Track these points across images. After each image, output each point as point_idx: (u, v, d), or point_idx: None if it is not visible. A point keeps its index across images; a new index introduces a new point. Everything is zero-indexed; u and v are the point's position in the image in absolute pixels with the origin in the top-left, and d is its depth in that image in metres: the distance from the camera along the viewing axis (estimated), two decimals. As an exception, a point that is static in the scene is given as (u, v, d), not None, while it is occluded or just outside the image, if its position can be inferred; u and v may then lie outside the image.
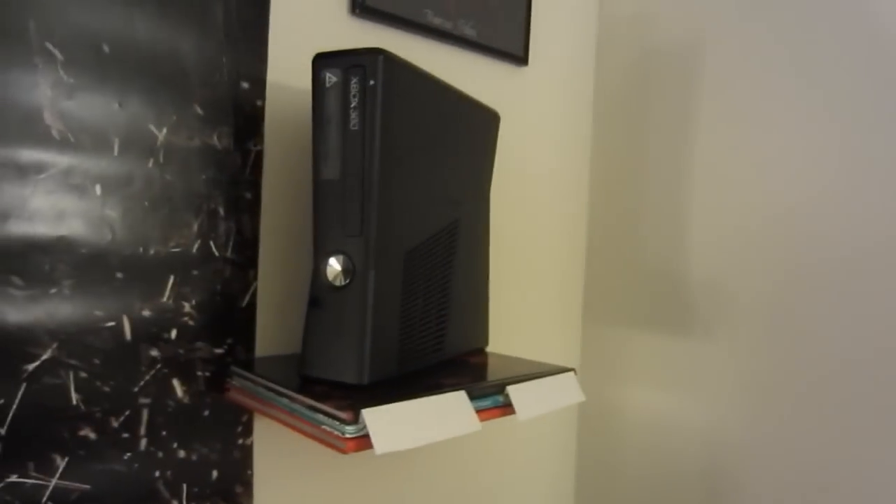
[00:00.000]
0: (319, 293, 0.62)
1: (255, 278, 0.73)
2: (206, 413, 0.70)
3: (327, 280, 0.61)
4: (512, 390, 0.65)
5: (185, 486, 0.68)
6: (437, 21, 0.86)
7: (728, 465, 0.95)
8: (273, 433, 0.75)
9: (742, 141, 0.95)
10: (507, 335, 1.02)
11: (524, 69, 1.01)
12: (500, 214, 1.00)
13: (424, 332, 0.68)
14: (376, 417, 0.54)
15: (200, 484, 0.69)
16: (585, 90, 1.14)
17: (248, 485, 0.73)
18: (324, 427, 0.56)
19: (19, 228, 0.57)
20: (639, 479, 1.06)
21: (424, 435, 0.56)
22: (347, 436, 0.54)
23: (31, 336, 0.58)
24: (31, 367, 0.58)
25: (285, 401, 0.61)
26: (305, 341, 0.62)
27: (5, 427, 0.57)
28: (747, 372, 0.93)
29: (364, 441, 0.54)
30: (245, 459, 0.73)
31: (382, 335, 0.61)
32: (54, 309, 0.59)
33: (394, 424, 0.55)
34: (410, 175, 0.64)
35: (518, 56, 0.97)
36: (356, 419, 0.54)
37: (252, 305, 0.72)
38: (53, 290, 0.59)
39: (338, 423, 0.54)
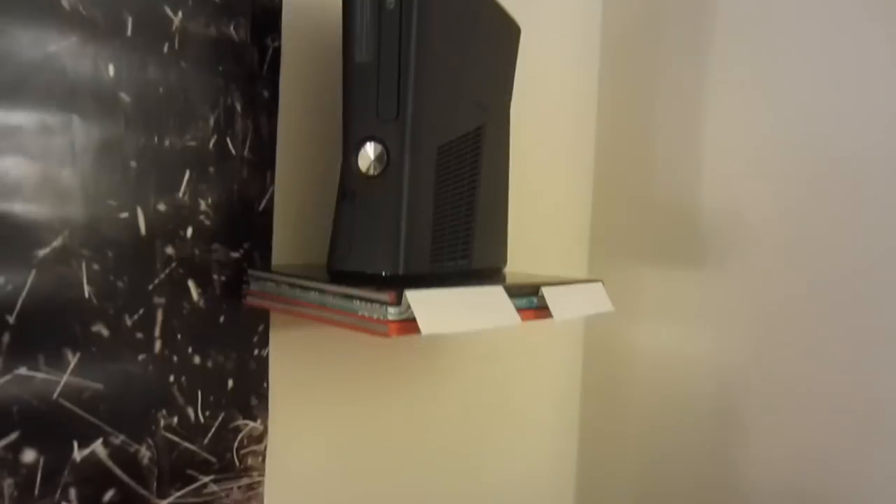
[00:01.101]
0: (350, 184, 0.59)
1: (273, 182, 0.69)
2: (222, 319, 0.66)
3: (359, 170, 0.58)
4: (546, 291, 0.64)
5: (199, 393, 0.65)
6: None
7: (738, 398, 0.95)
8: (290, 346, 0.72)
9: (755, 70, 0.94)
10: (511, 268, 1.01)
11: (537, -6, 0.99)
12: (510, 144, 0.98)
13: (454, 234, 0.66)
14: (420, 299, 0.51)
15: (216, 393, 0.66)
16: (595, 17, 1.12)
17: (263, 397, 0.70)
18: (362, 314, 0.53)
19: (29, 103, 0.53)
20: (645, 414, 1.06)
21: (468, 322, 0.54)
22: (390, 318, 0.51)
23: (42, 219, 0.54)
24: (41, 252, 0.54)
25: (314, 294, 0.58)
26: (334, 235, 0.59)
27: (14, 315, 0.53)
28: (759, 302, 0.93)
29: (407, 325, 0.52)
30: (261, 371, 0.70)
31: (416, 227, 0.59)
32: (66, 192, 0.55)
33: (437, 308, 0.52)
34: (443, 64, 0.62)
35: (532, -22, 0.95)
36: (399, 301, 0.51)
37: (269, 211, 0.69)
38: (65, 173, 0.55)
39: (378, 306, 0.52)
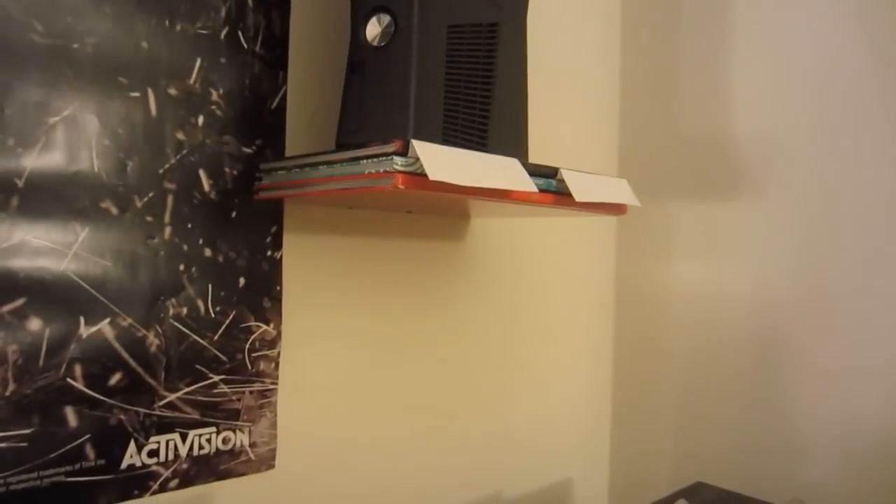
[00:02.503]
0: (359, 56, 0.58)
1: (286, 81, 0.68)
2: (234, 215, 0.65)
3: (367, 41, 0.57)
4: (566, 174, 0.61)
5: (210, 287, 0.63)
6: None
7: (782, 331, 0.90)
8: (305, 250, 0.71)
9: (787, -12, 0.91)
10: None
11: (557, -74, 0.98)
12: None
13: (468, 120, 0.64)
14: (428, 149, 0.49)
15: (227, 289, 0.64)
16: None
17: (277, 301, 0.68)
18: (368, 172, 0.51)
19: (40, -29, 0.53)
20: (681, 353, 1.00)
21: (478, 177, 0.51)
22: (397, 168, 0.49)
23: (52, 88, 0.54)
24: (52, 120, 0.54)
25: (323, 168, 0.56)
26: (343, 109, 0.58)
27: (23, 179, 0.52)
28: (800, 229, 0.88)
29: (415, 179, 0.49)
30: (274, 274, 0.68)
31: (426, 97, 0.57)
32: (77, 63, 0.55)
33: (447, 160, 0.50)
34: (454, -57, 0.60)
35: None
36: (406, 150, 0.49)
37: (282, 109, 0.68)
38: (76, 45, 0.55)
39: (385, 159, 0.50)
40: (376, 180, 0.50)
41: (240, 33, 0.65)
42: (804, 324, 0.87)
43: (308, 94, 0.70)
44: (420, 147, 0.49)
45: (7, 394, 0.52)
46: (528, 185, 0.55)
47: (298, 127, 0.70)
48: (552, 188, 0.61)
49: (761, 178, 0.92)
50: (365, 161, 0.52)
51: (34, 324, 0.53)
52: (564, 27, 1.02)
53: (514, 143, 0.75)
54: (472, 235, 0.88)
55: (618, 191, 0.65)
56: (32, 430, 0.53)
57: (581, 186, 0.61)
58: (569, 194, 0.61)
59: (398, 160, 0.49)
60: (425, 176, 0.49)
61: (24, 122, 0.53)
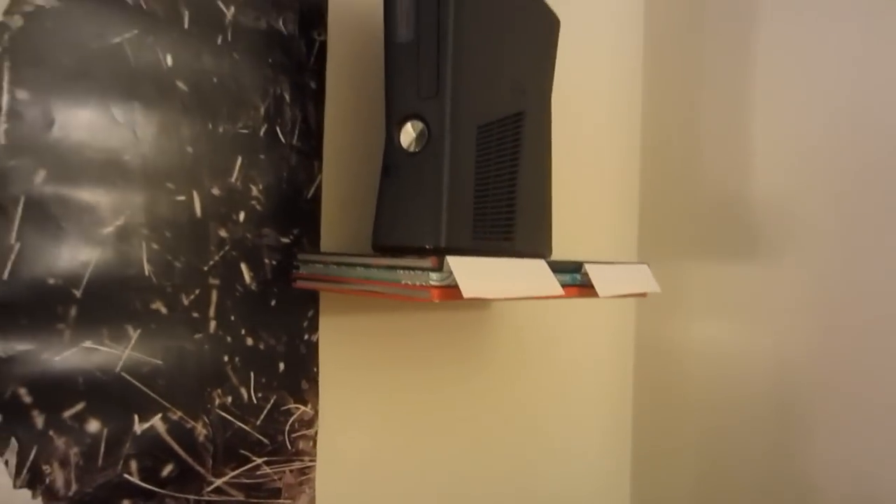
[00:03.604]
0: (393, 160, 0.60)
1: (320, 171, 0.71)
2: (273, 303, 0.68)
3: (401, 146, 0.60)
4: (589, 268, 0.63)
5: (252, 374, 0.67)
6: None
7: (800, 395, 0.91)
8: (339, 332, 0.74)
9: (803, 55, 0.92)
10: (562, 264, 1.00)
11: (577, -10, 1.00)
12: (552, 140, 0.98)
13: (496, 213, 0.66)
14: (461, 264, 0.52)
15: (267, 375, 0.68)
16: (638, 9, 1.12)
17: (314, 382, 0.71)
18: (405, 282, 0.54)
19: (94, 89, 0.57)
20: (700, 414, 1.02)
21: (509, 288, 0.54)
22: (432, 283, 0.52)
23: (106, 200, 0.57)
24: (105, 231, 0.57)
25: (360, 269, 0.59)
26: (378, 211, 0.61)
27: (81, 289, 0.56)
28: (818, 294, 0.90)
29: (449, 291, 0.52)
30: (311, 356, 0.71)
31: (458, 201, 0.59)
32: (127, 175, 0.58)
33: (479, 274, 0.53)
34: (480, 45, 0.63)
35: (571, -26, 0.96)
36: (441, 266, 0.52)
37: (317, 198, 0.71)
38: (127, 157, 0.58)
39: (421, 272, 0.52)
40: (413, 291, 0.53)
41: (278, 128, 0.68)
42: (824, 387, 0.88)
43: (343, 181, 0.73)
44: (454, 263, 0.51)
45: (70, 494, 0.55)
46: (555, 289, 0.57)
47: (334, 212, 0.73)
48: (577, 282, 0.63)
49: (779, 244, 0.93)
50: (401, 271, 0.54)
51: (93, 426, 0.57)
52: (582, 88, 1.04)
53: (539, 230, 0.77)
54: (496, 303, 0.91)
55: (639, 279, 0.67)
56: (91, 524, 0.57)
57: (604, 280, 0.63)
58: (592, 286, 0.63)
59: (433, 275, 0.52)
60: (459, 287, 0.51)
61: (81, 235, 0.56)
